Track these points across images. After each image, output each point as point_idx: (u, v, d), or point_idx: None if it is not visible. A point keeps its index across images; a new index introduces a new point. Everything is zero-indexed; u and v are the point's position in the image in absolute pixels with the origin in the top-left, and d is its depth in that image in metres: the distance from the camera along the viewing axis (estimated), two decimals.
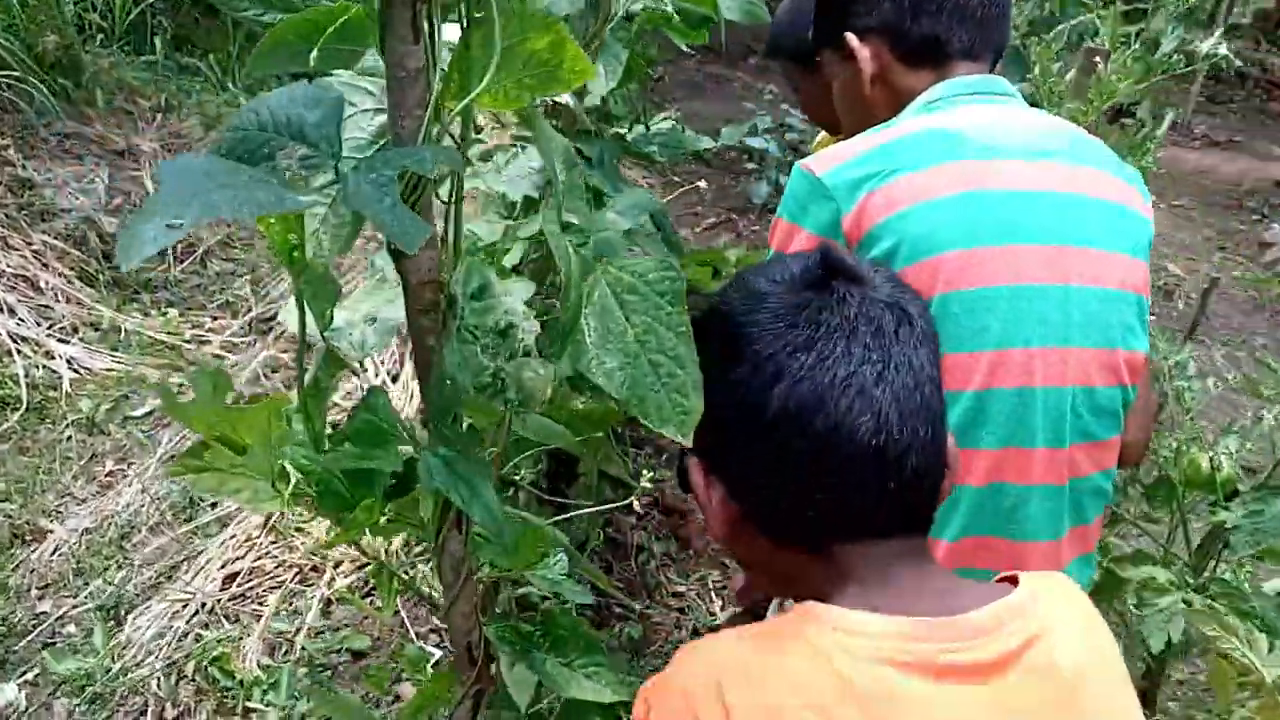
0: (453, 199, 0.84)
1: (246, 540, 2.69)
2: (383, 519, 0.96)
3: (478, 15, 0.82)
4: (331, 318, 0.92)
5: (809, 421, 0.82)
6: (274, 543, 2.66)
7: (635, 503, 2.43)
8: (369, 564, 2.57)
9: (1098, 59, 2.04)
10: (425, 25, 0.76)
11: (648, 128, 2.21)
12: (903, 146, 1.23)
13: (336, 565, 2.57)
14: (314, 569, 2.57)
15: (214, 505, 2.87)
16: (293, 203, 0.62)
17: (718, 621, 2.60)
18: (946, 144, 1.23)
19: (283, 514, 2.76)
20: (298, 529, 2.71)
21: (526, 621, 1.11)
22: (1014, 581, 0.87)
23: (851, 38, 1.38)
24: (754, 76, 7.17)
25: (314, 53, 1.17)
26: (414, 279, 0.83)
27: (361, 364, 3.38)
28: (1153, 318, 1.37)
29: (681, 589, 2.69)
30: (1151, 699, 1.57)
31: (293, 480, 1.04)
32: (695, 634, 2.52)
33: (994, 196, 1.20)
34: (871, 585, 0.84)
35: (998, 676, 0.79)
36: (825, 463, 0.83)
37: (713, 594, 2.70)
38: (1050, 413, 1.21)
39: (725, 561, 2.76)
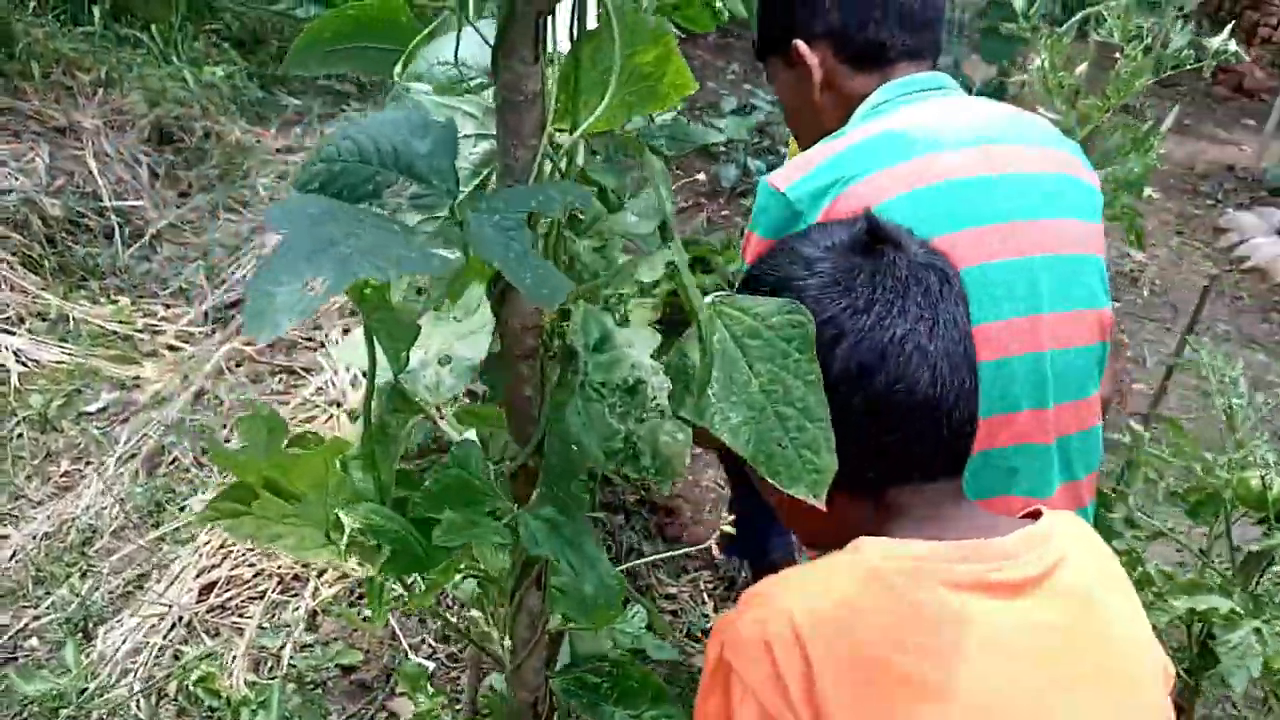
0: (553, 232, 0.76)
1: (221, 547, 2.56)
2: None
3: (588, 29, 0.74)
4: (407, 360, 0.84)
5: (870, 379, 0.87)
6: (251, 549, 2.54)
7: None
8: (349, 575, 2.48)
9: (1118, 55, 2.01)
10: (547, 43, 0.67)
11: (652, 119, 2.12)
12: (856, 153, 1.29)
13: (320, 574, 2.46)
14: (296, 578, 2.47)
15: (182, 509, 2.74)
16: (441, 262, 0.54)
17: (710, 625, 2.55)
18: (895, 146, 1.30)
19: None
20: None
21: (593, 672, 1.04)
22: (1034, 516, 0.97)
23: (800, 44, 1.44)
24: (713, 54, 7.07)
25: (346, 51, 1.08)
26: (516, 323, 0.75)
27: (330, 359, 3.26)
28: (1119, 303, 1.41)
29: (674, 590, 2.63)
30: (1189, 711, 1.56)
31: (347, 530, 0.95)
32: (691, 637, 2.47)
33: (943, 188, 1.27)
34: (924, 522, 0.92)
35: (1030, 593, 0.88)
36: (887, 417, 0.89)
37: (705, 595, 2.64)
38: (1030, 377, 1.28)
39: (716, 563, 2.70)
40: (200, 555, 2.52)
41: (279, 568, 2.49)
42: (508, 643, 1.05)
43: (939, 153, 1.29)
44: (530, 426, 0.80)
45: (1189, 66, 2.11)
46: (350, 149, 0.64)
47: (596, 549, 0.73)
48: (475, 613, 1.03)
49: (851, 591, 0.84)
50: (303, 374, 3.24)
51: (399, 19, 1.04)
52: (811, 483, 0.76)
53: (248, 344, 3.37)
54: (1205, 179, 6.04)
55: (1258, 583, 1.44)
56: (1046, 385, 1.29)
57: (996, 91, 4.52)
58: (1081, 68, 2.09)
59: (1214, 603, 1.26)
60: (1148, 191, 2.22)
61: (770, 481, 0.75)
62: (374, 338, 0.85)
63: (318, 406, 3.10)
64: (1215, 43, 2.08)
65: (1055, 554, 0.90)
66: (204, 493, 2.79)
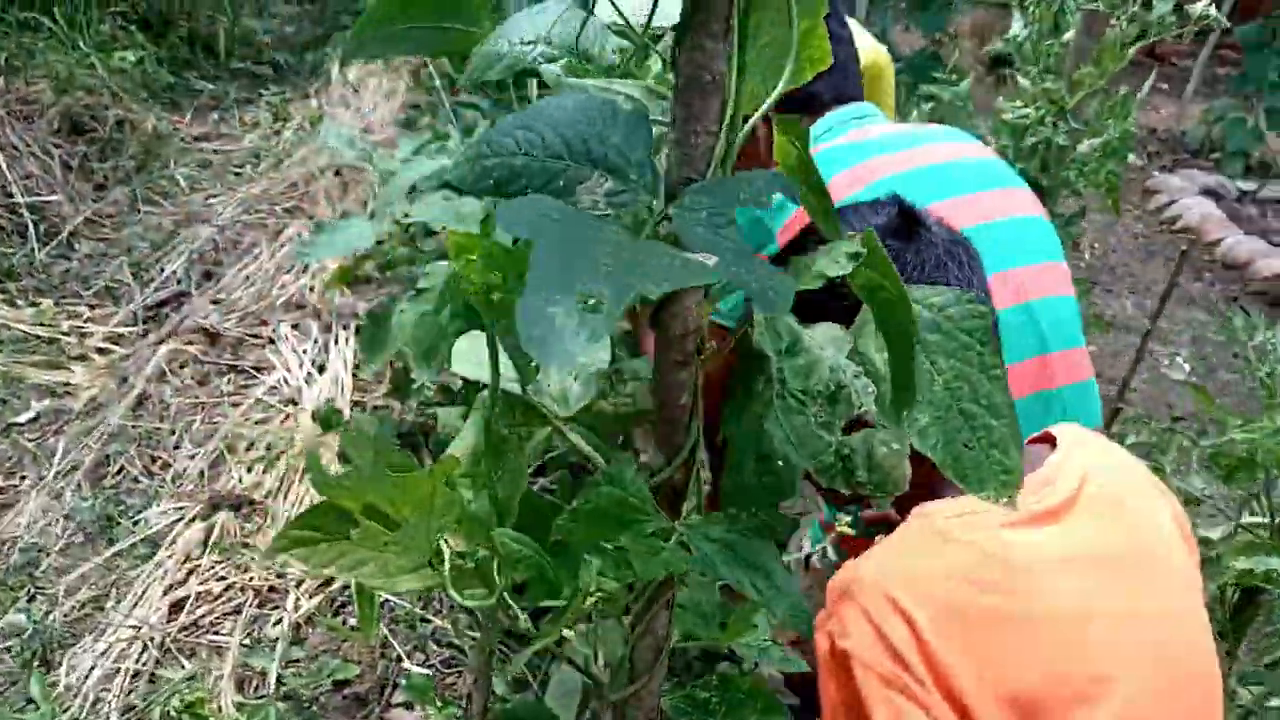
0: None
1: (186, 561, 2.42)
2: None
3: None
4: (537, 369, 0.76)
5: None
6: (219, 562, 2.41)
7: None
8: (332, 581, 2.36)
9: (1112, 22, 2.00)
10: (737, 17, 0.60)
11: None
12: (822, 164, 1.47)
13: (299, 584, 2.34)
14: (272, 589, 2.34)
15: (136, 523, 2.58)
16: (707, 272, 0.46)
17: None
18: (853, 151, 1.48)
19: (225, 529, 2.50)
20: (244, 544, 2.46)
21: (702, 687, 0.98)
22: (1048, 440, 1.09)
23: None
24: None
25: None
26: (677, 329, 0.68)
27: (279, 351, 3.11)
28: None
29: None
30: (1233, 653, 1.57)
31: (448, 557, 0.87)
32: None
33: (917, 173, 1.46)
34: None
35: (1066, 515, 0.98)
36: None
37: None
38: (1028, 326, 1.40)
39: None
40: (165, 572, 2.37)
41: (251, 580, 2.36)
42: (600, 664, 0.99)
43: (909, 149, 1.49)
44: (682, 437, 0.73)
45: (1173, 33, 2.12)
46: (532, 140, 0.56)
47: (782, 569, 0.67)
48: (569, 633, 0.96)
49: (927, 552, 0.93)
50: (253, 373, 3.08)
51: None
52: (1000, 484, 0.71)
53: (189, 343, 3.19)
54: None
55: None
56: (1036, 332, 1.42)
57: (931, 60, 4.54)
58: (1070, 34, 2.08)
59: (1273, 564, 1.27)
60: (1130, 157, 2.23)
61: (959, 485, 0.70)
62: (497, 346, 0.77)
63: (272, 407, 2.96)
64: (1198, 8, 2.08)
65: (1079, 471, 1.01)
66: (159, 504, 2.63)
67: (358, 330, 3.22)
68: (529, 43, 0.88)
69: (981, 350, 0.71)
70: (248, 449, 2.79)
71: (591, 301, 0.42)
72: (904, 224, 1.03)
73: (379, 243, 2.37)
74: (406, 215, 2.08)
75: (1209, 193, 4.92)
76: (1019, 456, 0.71)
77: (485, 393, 0.88)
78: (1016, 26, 2.27)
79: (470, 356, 0.83)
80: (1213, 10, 2.11)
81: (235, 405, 2.95)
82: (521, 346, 0.41)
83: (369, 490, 0.81)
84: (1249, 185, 5.09)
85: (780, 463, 0.62)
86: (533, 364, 0.75)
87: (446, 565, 0.87)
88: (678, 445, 0.74)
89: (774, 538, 0.65)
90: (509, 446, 0.80)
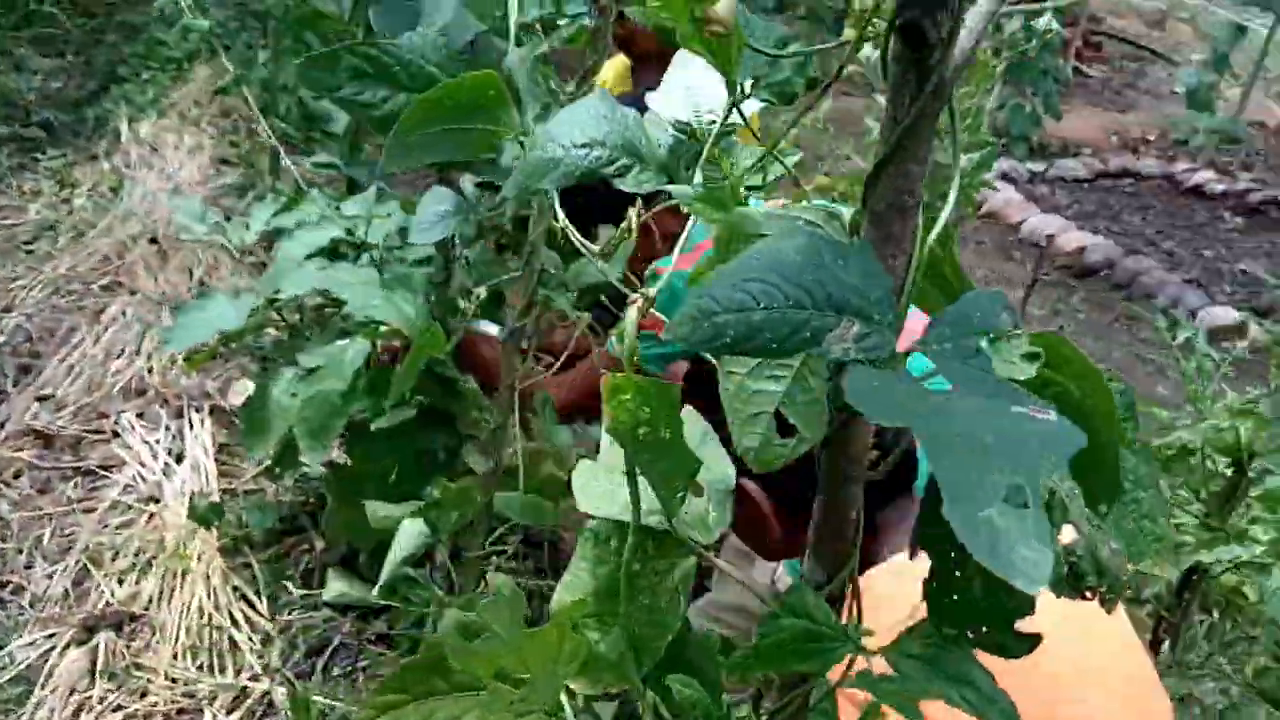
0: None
1: (71, 695, 2.18)
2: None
3: None
4: (684, 499, 0.72)
5: None
6: (112, 690, 2.18)
7: None
8: (249, 691, 2.20)
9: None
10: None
11: None
12: None
13: (211, 699, 2.15)
14: (182, 711, 2.14)
15: (0, 663, 2.30)
16: (1077, 436, 0.45)
17: None
18: None
19: (110, 651, 2.27)
20: (136, 665, 2.24)
21: None
22: None
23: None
24: None
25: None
26: (857, 447, 0.66)
27: (125, 442, 2.86)
28: None
29: None
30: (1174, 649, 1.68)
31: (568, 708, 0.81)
32: None
33: None
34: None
35: None
36: None
37: None
38: None
39: None
40: (49, 710, 2.13)
41: (155, 705, 2.15)
42: None
43: None
44: (847, 550, 0.71)
45: (1021, 49, 2.25)
46: (770, 292, 0.52)
47: (986, 675, 0.66)
48: None
49: None
50: (102, 473, 2.81)
51: (487, 93, 0.90)
52: (1154, 551, 0.73)
53: (18, 449, 2.88)
54: None
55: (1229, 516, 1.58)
56: None
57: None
58: None
59: (1236, 552, 1.38)
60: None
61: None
62: (636, 477, 0.72)
63: (132, 508, 2.71)
64: (1042, 23, 2.22)
65: None
66: (22, 635, 2.36)
67: (211, 411, 3.01)
68: (582, 146, 0.84)
69: (1125, 424, 0.72)
70: (114, 558, 2.55)
71: (1011, 495, 0.40)
72: None
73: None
74: (326, 292, 1.95)
75: (1003, 176, 5.32)
76: (1167, 523, 0.73)
77: (593, 524, 0.83)
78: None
79: (592, 491, 0.78)
80: (1055, 25, 2.25)
81: (88, 512, 2.69)
82: (996, 572, 0.38)
83: (503, 654, 0.75)
84: (1038, 166, 5.53)
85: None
86: (677, 493, 0.71)
87: (569, 713, 0.81)
88: (842, 559, 0.72)
89: (1008, 655, 0.64)
90: (646, 583, 0.75)
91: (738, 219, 0.62)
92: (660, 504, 0.72)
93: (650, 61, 2.82)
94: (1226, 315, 4.26)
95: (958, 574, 0.63)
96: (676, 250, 0.84)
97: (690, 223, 1.97)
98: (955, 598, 0.64)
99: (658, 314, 1.81)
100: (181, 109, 4.50)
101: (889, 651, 0.69)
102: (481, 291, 1.46)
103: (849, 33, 0.66)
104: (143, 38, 5.32)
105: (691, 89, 0.87)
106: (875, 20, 0.63)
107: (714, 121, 0.83)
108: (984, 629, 0.63)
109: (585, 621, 0.79)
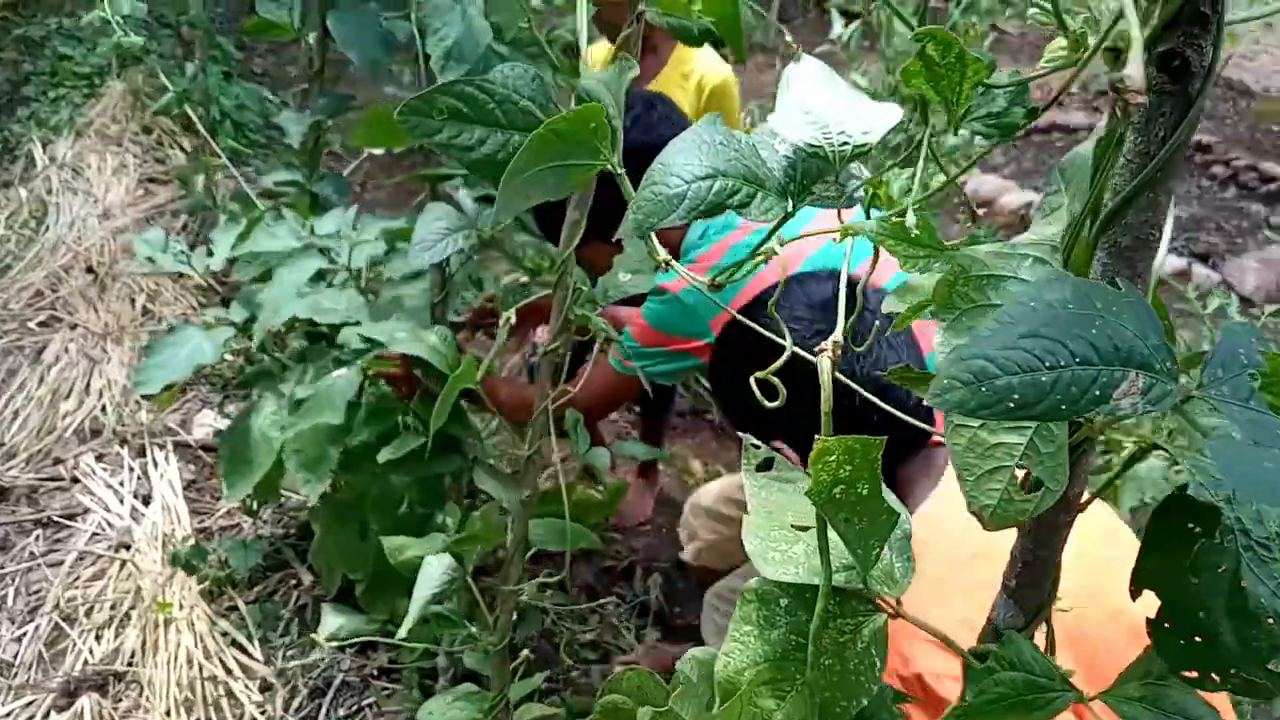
0: None
1: None
2: None
3: None
4: (879, 555, 0.68)
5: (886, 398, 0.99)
6: None
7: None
8: None
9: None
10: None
11: None
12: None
13: None
14: None
15: None
16: None
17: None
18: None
19: (97, 714, 2.15)
20: None
21: None
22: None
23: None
24: None
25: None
26: (1075, 489, 0.62)
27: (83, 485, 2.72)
28: None
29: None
30: None
31: None
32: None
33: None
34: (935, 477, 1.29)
35: None
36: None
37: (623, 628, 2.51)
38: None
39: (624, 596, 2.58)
40: None
41: None
42: None
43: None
44: (1045, 590, 0.68)
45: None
46: (1052, 350, 0.48)
47: (1209, 708, 0.64)
48: None
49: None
50: (65, 523, 2.66)
51: (589, 126, 0.85)
52: None
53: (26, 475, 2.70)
54: None
55: None
56: None
57: None
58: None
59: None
60: None
61: None
62: (828, 540, 0.68)
63: (101, 558, 2.57)
64: (956, 14, 2.22)
65: None
66: None
67: (175, 447, 2.87)
68: (705, 177, 0.79)
69: None
70: (88, 613, 2.41)
71: None
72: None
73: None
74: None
75: None
76: None
77: (755, 583, 0.78)
78: (838, 28, 2.33)
79: (768, 555, 0.73)
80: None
81: (55, 566, 2.54)
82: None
83: None
84: None
85: (1270, 620, 0.58)
86: (875, 551, 0.67)
87: None
88: (1040, 599, 0.69)
89: (1262, 696, 0.62)
90: (831, 644, 0.71)
91: (966, 261, 0.58)
92: (856, 562, 0.68)
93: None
94: (1173, 263, 4.32)
95: (1201, 615, 0.60)
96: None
97: (688, 234, 1.91)
98: (1198, 639, 0.61)
99: (657, 328, 1.78)
100: (99, 127, 4.28)
101: (1109, 696, 0.66)
102: (511, 315, 1.40)
103: (1048, 57, 0.62)
104: (45, 53, 5.05)
105: (811, 111, 0.83)
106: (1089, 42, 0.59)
107: (846, 143, 0.78)
108: (1232, 670, 0.60)
109: (758, 690, 0.74)
